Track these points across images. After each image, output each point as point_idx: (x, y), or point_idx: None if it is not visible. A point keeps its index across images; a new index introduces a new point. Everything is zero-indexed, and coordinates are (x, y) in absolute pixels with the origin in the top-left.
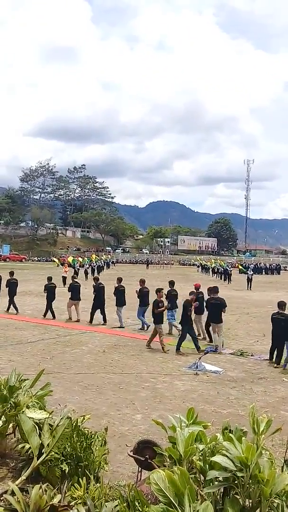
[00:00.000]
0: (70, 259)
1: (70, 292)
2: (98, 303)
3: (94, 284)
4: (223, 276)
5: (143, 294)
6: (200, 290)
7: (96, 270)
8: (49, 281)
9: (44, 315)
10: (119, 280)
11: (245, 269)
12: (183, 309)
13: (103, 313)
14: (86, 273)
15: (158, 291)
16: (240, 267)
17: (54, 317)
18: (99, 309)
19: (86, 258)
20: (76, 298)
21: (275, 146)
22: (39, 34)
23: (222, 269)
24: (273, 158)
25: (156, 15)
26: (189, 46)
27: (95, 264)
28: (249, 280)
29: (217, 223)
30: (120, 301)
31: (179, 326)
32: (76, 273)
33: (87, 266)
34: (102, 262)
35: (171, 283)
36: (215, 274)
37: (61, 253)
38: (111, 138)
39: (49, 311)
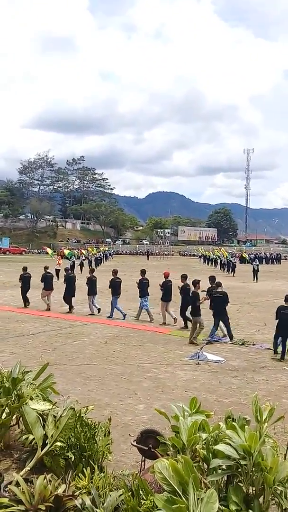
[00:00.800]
0: (66, 251)
1: (42, 283)
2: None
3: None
4: (226, 267)
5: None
6: (169, 278)
7: (93, 262)
8: (24, 271)
9: (25, 305)
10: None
11: (250, 260)
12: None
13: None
14: (81, 265)
15: (197, 282)
16: (245, 255)
17: (25, 306)
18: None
19: (83, 251)
20: (49, 288)
21: (275, 135)
22: (36, 24)
23: (226, 260)
24: (273, 147)
25: (154, 3)
26: (187, 34)
27: (92, 256)
28: (255, 272)
29: (217, 213)
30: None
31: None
32: (72, 266)
33: (83, 258)
34: (101, 254)
35: (143, 272)
36: (217, 265)
37: (61, 245)
38: (110, 129)
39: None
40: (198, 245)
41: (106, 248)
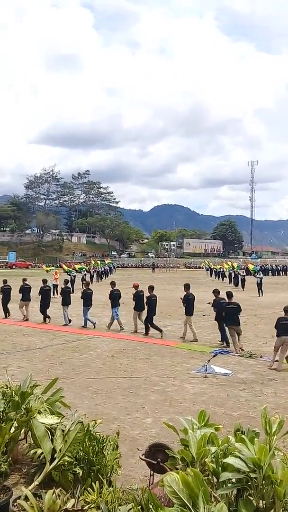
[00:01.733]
0: (65, 267)
1: (20, 294)
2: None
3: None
4: (234, 281)
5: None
6: (139, 289)
7: (95, 276)
8: (4, 283)
9: (5, 316)
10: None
11: (254, 272)
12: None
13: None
14: (83, 280)
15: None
16: (251, 266)
17: (5, 316)
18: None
19: (83, 265)
20: (26, 299)
21: (279, 147)
22: (42, 42)
23: (233, 274)
24: (277, 159)
25: (157, 20)
26: (190, 50)
27: (94, 270)
28: (259, 285)
29: (222, 225)
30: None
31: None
32: (71, 280)
33: (84, 273)
34: (106, 267)
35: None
36: (225, 278)
37: (67, 259)
38: (115, 143)
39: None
40: (204, 257)
41: (110, 261)
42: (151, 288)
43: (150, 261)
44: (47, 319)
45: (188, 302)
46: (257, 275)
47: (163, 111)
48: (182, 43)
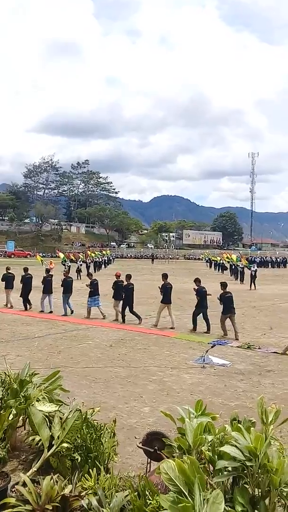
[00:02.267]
0: (61, 255)
1: (3, 282)
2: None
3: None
4: (234, 274)
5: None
6: (120, 278)
7: (91, 267)
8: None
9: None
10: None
11: (249, 263)
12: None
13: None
14: (79, 271)
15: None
16: (244, 261)
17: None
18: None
19: (81, 255)
20: (9, 287)
21: (280, 139)
22: (42, 30)
23: (233, 266)
24: (278, 151)
25: (158, 9)
26: (192, 40)
27: (90, 261)
28: (253, 277)
29: (222, 217)
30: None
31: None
32: (66, 271)
33: (80, 263)
34: (104, 258)
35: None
36: (225, 270)
37: (66, 249)
38: (115, 133)
39: None
40: (203, 249)
41: (109, 252)
42: (128, 277)
43: (150, 252)
44: (28, 305)
45: (166, 291)
46: (252, 268)
47: (163, 101)
48: (183, 32)
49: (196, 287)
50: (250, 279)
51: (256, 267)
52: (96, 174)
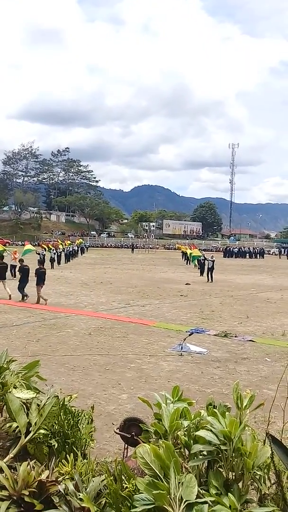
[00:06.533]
0: (27, 246)
1: None
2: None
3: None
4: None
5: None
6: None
7: (64, 257)
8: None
9: None
10: (21, 260)
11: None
12: None
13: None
14: (52, 260)
15: None
16: (199, 252)
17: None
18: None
19: (60, 245)
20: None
21: (260, 131)
22: (23, 15)
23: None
24: (258, 143)
25: None
26: (175, 29)
27: (61, 251)
28: (210, 269)
29: (202, 207)
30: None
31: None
32: (41, 260)
33: (53, 253)
34: (75, 247)
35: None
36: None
37: (46, 238)
38: (96, 121)
39: None
40: (183, 239)
41: (82, 241)
42: (21, 261)
43: (130, 242)
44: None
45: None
46: (209, 258)
47: (146, 90)
48: (166, 22)
49: None
50: (207, 271)
51: (213, 258)
52: (77, 162)
